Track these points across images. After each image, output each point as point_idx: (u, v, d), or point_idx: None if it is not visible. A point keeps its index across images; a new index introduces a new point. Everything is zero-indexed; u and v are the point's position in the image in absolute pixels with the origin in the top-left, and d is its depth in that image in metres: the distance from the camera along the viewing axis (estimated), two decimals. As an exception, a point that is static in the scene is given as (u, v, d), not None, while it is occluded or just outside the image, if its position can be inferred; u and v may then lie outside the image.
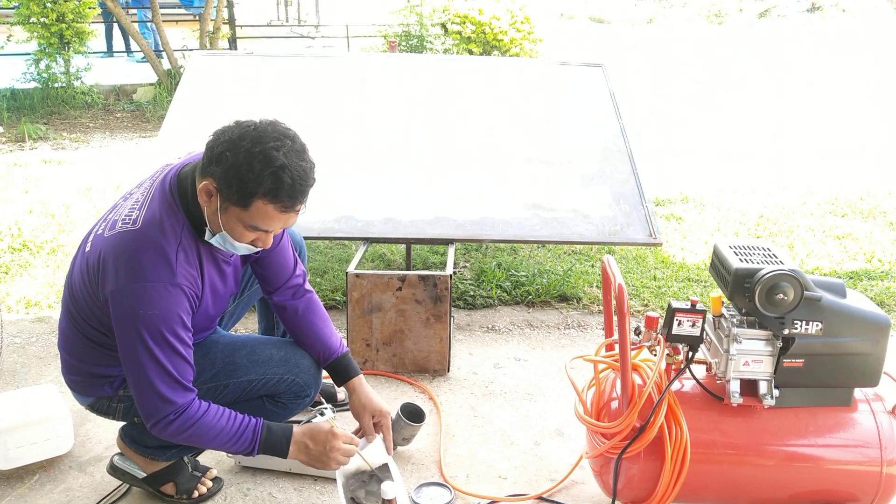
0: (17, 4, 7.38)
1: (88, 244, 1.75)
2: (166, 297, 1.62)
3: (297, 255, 2.06)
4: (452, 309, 2.80)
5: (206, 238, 1.71)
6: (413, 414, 2.23)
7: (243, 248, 1.72)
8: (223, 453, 2.18)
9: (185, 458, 2.03)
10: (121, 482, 2.05)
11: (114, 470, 2.03)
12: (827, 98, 8.88)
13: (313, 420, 2.35)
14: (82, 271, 1.74)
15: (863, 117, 7.83)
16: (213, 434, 1.70)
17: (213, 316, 1.90)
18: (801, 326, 1.74)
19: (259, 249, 1.75)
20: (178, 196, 1.70)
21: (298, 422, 2.33)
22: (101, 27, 9.51)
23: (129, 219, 1.68)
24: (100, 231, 1.73)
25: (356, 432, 2.00)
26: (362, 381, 1.99)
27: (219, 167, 1.58)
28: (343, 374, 1.99)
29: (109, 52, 9.79)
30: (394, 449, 2.24)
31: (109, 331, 1.72)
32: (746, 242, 1.90)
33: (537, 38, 9.02)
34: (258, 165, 1.55)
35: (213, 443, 1.73)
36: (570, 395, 2.04)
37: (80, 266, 1.76)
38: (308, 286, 2.06)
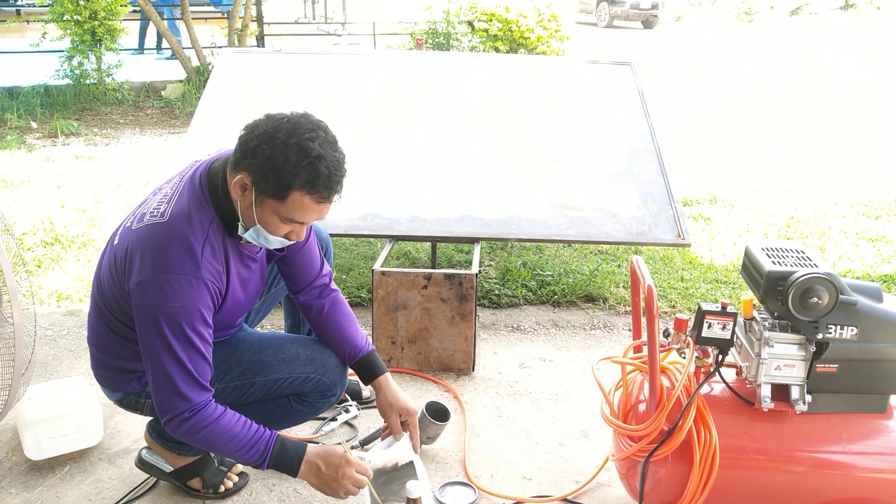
0: (51, 2, 7.51)
1: (117, 238, 1.76)
2: (189, 290, 1.62)
3: (322, 255, 2.06)
4: (477, 308, 2.79)
5: (240, 233, 1.71)
6: (438, 413, 2.23)
7: (276, 242, 1.72)
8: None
9: (211, 454, 2.04)
10: (148, 475, 2.07)
11: (142, 463, 2.05)
12: (858, 98, 8.71)
13: (339, 417, 2.37)
14: (110, 265, 1.75)
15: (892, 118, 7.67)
16: (227, 440, 1.67)
17: (238, 313, 1.91)
18: (835, 331, 1.70)
19: (290, 243, 1.75)
20: (209, 191, 1.70)
21: (323, 418, 2.36)
22: (134, 24, 9.63)
23: (158, 212, 1.68)
24: (128, 224, 1.74)
25: (383, 430, 1.99)
26: (389, 380, 1.99)
27: (255, 160, 1.59)
28: (369, 372, 1.99)
29: (140, 49, 9.91)
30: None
31: (134, 324, 1.73)
32: (779, 244, 1.86)
33: (564, 35, 8.97)
34: (294, 157, 1.56)
35: (225, 448, 1.69)
36: (596, 397, 2.03)
37: (108, 260, 1.77)
38: (334, 285, 2.07)
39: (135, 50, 9.75)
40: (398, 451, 1.89)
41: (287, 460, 1.72)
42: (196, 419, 1.65)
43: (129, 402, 1.91)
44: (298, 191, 1.59)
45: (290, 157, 1.56)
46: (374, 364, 2.00)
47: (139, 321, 1.65)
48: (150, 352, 1.65)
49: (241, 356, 1.89)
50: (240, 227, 1.71)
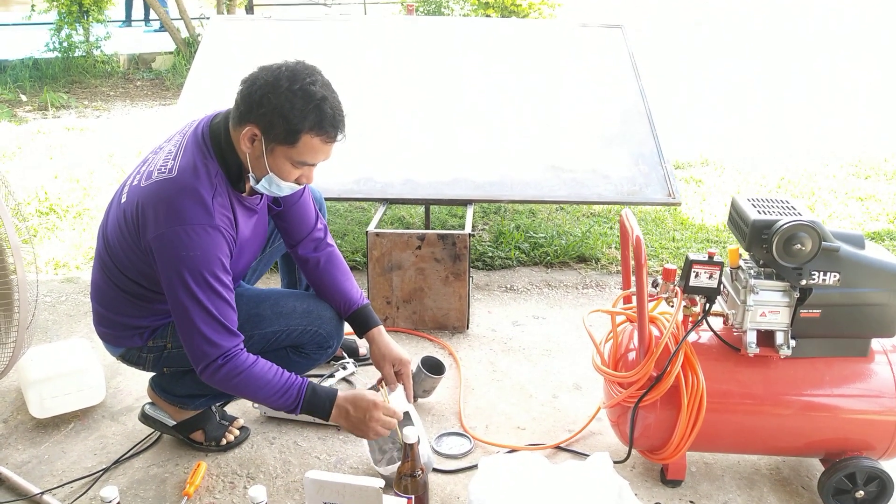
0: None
1: (124, 196, 1.79)
2: (206, 238, 1.67)
3: (317, 210, 2.10)
4: (471, 270, 2.83)
5: (252, 185, 1.77)
6: (433, 367, 2.28)
7: (287, 188, 1.77)
8: (249, 404, 2.24)
9: (213, 408, 2.09)
10: (152, 430, 2.13)
11: (145, 418, 2.10)
12: (851, 57, 8.70)
13: (336, 374, 2.42)
14: (119, 222, 1.78)
15: (885, 89, 7.68)
16: (261, 385, 1.74)
17: (243, 267, 1.95)
18: (818, 277, 1.75)
19: (300, 188, 1.81)
20: (212, 146, 1.75)
21: (320, 375, 2.41)
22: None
23: (165, 168, 1.72)
24: (135, 182, 1.77)
25: (378, 382, 2.05)
26: (382, 332, 2.04)
27: (262, 110, 1.63)
28: (363, 324, 2.04)
29: (127, 20, 9.81)
30: (415, 401, 2.30)
31: (147, 279, 1.77)
32: (765, 196, 1.90)
33: (556, 2, 8.89)
34: (300, 102, 1.62)
35: (258, 394, 1.76)
36: (588, 351, 2.08)
37: (115, 217, 1.80)
38: (330, 240, 2.11)
39: (123, 22, 9.65)
40: (393, 402, 1.94)
41: (319, 405, 1.80)
42: (230, 366, 1.71)
43: (131, 356, 1.96)
44: (307, 134, 1.65)
45: (295, 103, 1.62)
46: (368, 317, 2.05)
47: (163, 275, 1.70)
48: (177, 304, 1.69)
49: (238, 311, 1.92)
50: (251, 178, 1.76)
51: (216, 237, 1.69)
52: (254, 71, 1.69)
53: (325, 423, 1.89)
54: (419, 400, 2.31)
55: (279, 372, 1.77)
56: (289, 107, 1.62)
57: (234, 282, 1.99)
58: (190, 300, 1.67)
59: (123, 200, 1.79)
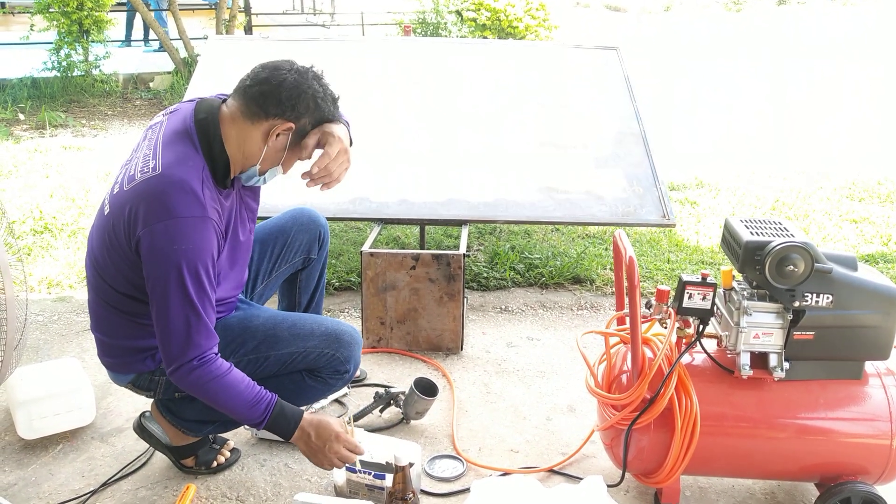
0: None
1: (107, 207, 1.76)
2: (198, 231, 1.65)
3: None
4: (466, 290, 2.82)
5: (247, 179, 1.81)
6: (426, 388, 2.26)
7: (276, 178, 1.87)
8: (240, 427, 2.22)
9: (210, 437, 2.06)
10: (141, 452, 2.10)
11: (140, 429, 2.03)
12: (842, 88, 8.78)
13: (323, 402, 2.38)
14: (106, 234, 1.74)
15: (879, 108, 7.74)
16: (230, 395, 1.72)
17: (239, 266, 1.93)
18: (811, 299, 1.74)
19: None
20: (200, 141, 1.73)
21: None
22: (121, 16, 9.58)
23: (148, 167, 1.69)
24: (116, 191, 1.74)
25: (348, 419, 2.01)
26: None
27: (298, 107, 1.73)
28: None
29: (127, 40, 9.87)
30: (408, 422, 2.28)
31: (140, 291, 1.73)
32: (758, 217, 1.91)
33: (552, 25, 9.00)
34: (330, 102, 1.81)
35: (227, 403, 1.73)
36: (582, 373, 2.06)
37: (100, 231, 1.77)
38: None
39: (122, 42, 9.71)
40: (400, 450, 1.88)
41: (283, 424, 1.78)
42: (203, 370, 1.69)
43: (142, 382, 1.91)
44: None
45: (330, 106, 1.80)
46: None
47: (150, 269, 1.66)
48: (161, 298, 1.66)
49: (255, 330, 1.91)
50: (254, 171, 1.79)
51: (207, 230, 1.67)
52: (269, 70, 1.74)
53: (284, 441, 1.87)
54: (412, 422, 2.29)
55: (251, 384, 1.75)
56: (326, 110, 1.78)
57: (237, 289, 1.98)
58: (176, 295, 1.64)
59: (108, 211, 1.75)
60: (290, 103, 1.72)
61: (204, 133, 1.74)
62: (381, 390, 2.32)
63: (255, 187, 1.95)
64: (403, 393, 2.28)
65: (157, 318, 1.69)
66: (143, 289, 1.72)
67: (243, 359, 1.88)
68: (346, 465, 1.85)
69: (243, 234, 1.91)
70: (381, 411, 2.31)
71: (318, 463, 1.81)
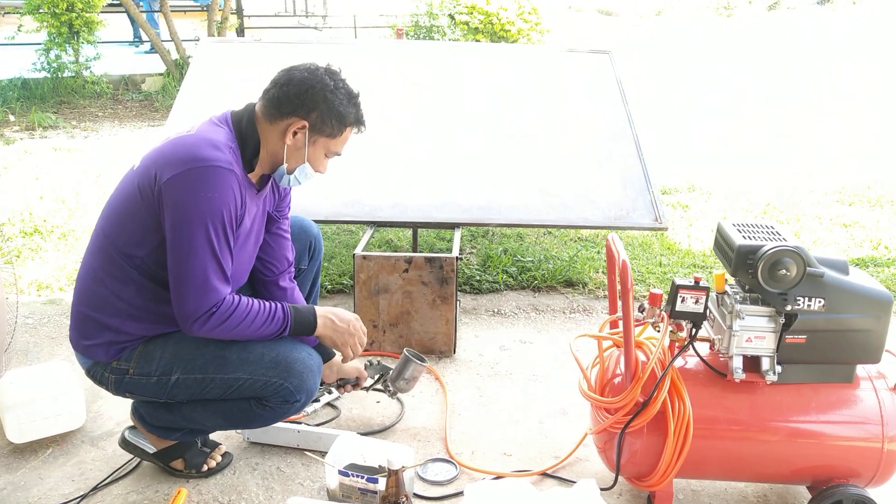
0: (27, -7, 7.42)
1: (137, 163, 1.81)
2: (223, 180, 1.69)
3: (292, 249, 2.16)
4: (459, 293, 2.82)
5: (279, 180, 1.88)
6: (418, 357, 2.27)
7: (311, 177, 1.90)
8: (232, 431, 2.21)
9: (197, 439, 2.04)
10: (132, 456, 2.08)
11: (125, 444, 2.06)
12: (832, 92, 8.84)
13: (321, 398, 2.39)
14: (130, 187, 1.76)
15: (869, 112, 7.80)
16: (249, 320, 1.76)
17: (248, 254, 1.94)
18: (803, 303, 1.75)
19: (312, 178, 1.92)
20: (233, 124, 1.82)
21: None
22: (112, 17, 9.51)
23: (183, 130, 1.80)
24: (149, 152, 1.80)
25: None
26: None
27: (310, 105, 1.79)
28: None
29: (137, 39, 9.76)
30: (394, 393, 2.31)
31: (145, 249, 1.74)
32: (750, 221, 1.91)
33: (545, 28, 9.00)
34: (345, 98, 1.83)
35: (249, 328, 1.76)
36: (575, 376, 2.06)
37: (122, 186, 1.80)
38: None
39: (131, 42, 9.63)
40: (393, 453, 1.88)
41: (305, 321, 1.86)
42: (219, 313, 1.72)
43: (96, 373, 1.86)
44: (350, 127, 1.87)
45: (342, 99, 1.82)
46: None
47: (173, 216, 1.68)
48: (183, 246, 1.68)
49: (205, 348, 1.82)
50: (282, 170, 1.84)
51: (231, 180, 1.71)
52: (285, 71, 1.82)
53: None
54: (399, 393, 2.30)
55: (259, 301, 1.80)
56: (337, 103, 1.80)
57: (240, 277, 1.97)
58: (200, 242, 1.67)
59: (136, 166, 1.80)
60: (299, 100, 1.78)
61: (238, 122, 1.83)
62: (375, 360, 2.36)
63: (284, 210, 2.06)
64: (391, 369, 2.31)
65: (175, 267, 1.71)
66: (151, 247, 1.73)
67: (189, 377, 1.81)
68: (339, 469, 1.84)
69: (254, 241, 1.95)
70: (376, 382, 2.33)
71: (345, 345, 1.92)
